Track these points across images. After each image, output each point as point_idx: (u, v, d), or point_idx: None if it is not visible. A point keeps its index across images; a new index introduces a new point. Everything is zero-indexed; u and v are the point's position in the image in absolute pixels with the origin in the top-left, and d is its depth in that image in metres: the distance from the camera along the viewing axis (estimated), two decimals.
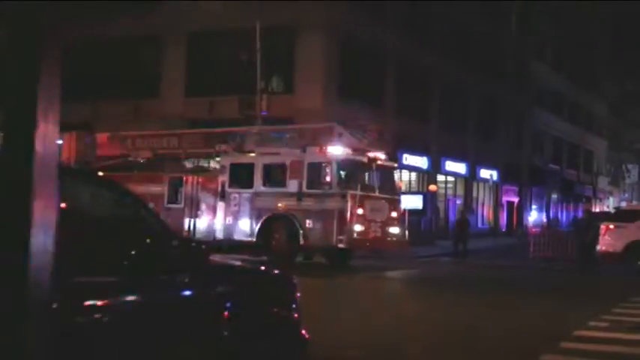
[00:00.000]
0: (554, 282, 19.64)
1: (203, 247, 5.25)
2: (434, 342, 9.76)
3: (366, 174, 20.28)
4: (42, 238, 2.17)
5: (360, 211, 19.06)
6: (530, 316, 12.33)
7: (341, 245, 19.13)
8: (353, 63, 31.71)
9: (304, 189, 19.52)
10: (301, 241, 19.53)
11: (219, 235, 20.88)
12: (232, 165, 20.99)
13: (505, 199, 49.52)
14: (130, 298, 4.95)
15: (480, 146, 44.02)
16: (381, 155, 20.59)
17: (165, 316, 5.07)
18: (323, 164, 19.41)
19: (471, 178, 44.17)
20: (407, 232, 20.93)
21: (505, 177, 48.25)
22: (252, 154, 20.84)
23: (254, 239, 20.22)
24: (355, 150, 19.84)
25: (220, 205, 20.88)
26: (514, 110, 49.82)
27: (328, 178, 19.34)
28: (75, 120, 27.32)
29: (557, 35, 56.66)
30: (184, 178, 21.76)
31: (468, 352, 9.18)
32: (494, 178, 45.82)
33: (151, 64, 34.02)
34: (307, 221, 19.41)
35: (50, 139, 2.24)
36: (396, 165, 21.92)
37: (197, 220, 21.34)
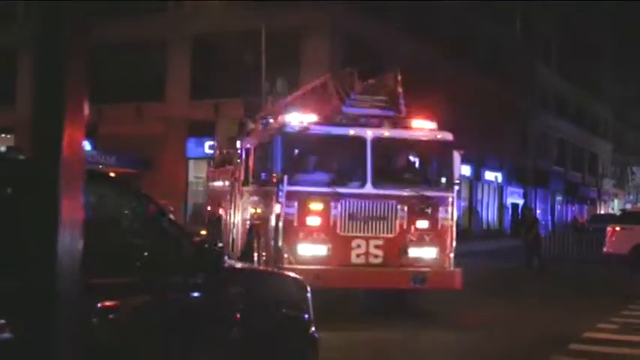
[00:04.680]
0: (562, 284, 19.60)
1: (216, 249, 5.28)
2: (440, 346, 9.76)
3: (355, 156, 11.67)
4: (69, 240, 2.19)
5: (313, 220, 11.17)
6: (538, 318, 12.32)
7: None
8: (357, 63, 31.67)
9: (254, 186, 12.78)
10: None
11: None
12: (245, 151, 13.92)
13: (510, 201, 49.51)
14: (144, 299, 4.97)
15: (485, 148, 43.99)
16: (388, 122, 12.18)
17: (178, 317, 5.09)
18: (266, 146, 12.02)
19: (476, 179, 44.15)
20: (451, 255, 11.65)
21: (510, 179, 48.21)
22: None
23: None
24: (326, 117, 11.92)
25: (239, 209, 14.12)
26: (519, 112, 49.79)
27: (269, 167, 11.63)
28: None
29: (562, 38, 56.63)
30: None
31: (474, 353, 9.18)
32: (499, 180, 45.78)
33: (156, 66, 34.05)
34: (261, 238, 12.18)
35: (77, 141, 2.26)
36: (439, 136, 12.23)
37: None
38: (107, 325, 4.62)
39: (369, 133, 11.48)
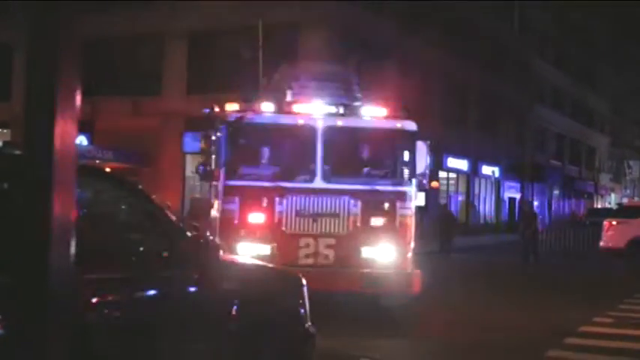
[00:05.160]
0: (558, 278, 19.63)
1: (212, 243, 5.29)
2: (436, 338, 9.78)
3: (304, 147, 10.68)
4: (62, 234, 2.18)
5: (255, 217, 10.34)
6: (534, 312, 12.35)
7: None
8: (355, 58, 31.65)
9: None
10: None
11: None
12: None
13: (507, 195, 49.57)
14: (140, 293, 4.98)
15: (482, 142, 44.03)
16: (334, 108, 10.84)
17: (174, 311, 5.10)
18: (208, 138, 10.87)
19: (473, 174, 44.19)
20: (409, 256, 10.59)
21: (507, 173, 48.28)
22: None
23: None
24: (276, 106, 10.82)
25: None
26: (516, 106, 49.84)
27: (209, 160, 10.82)
28: None
29: (558, 32, 56.66)
30: None
31: (472, 348, 9.19)
32: (496, 174, 45.83)
33: (152, 61, 33.99)
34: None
35: (69, 136, 2.26)
36: (399, 125, 10.87)
37: None
38: (103, 319, 4.63)
39: (319, 122, 10.50)
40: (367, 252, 10.30)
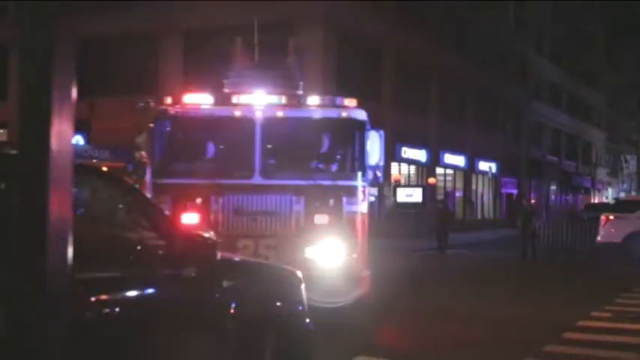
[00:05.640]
0: (556, 273, 19.66)
1: (209, 241, 5.28)
2: (435, 334, 9.79)
3: (241, 141, 9.97)
4: (58, 234, 2.18)
5: (189, 218, 9.07)
6: (532, 307, 12.37)
7: None
8: (351, 56, 31.67)
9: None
10: None
11: None
12: None
13: (504, 191, 49.60)
14: (135, 293, 4.97)
15: (479, 139, 44.06)
16: (274, 98, 10.11)
17: (171, 310, 5.09)
18: (144, 131, 10.21)
19: (470, 170, 44.22)
20: (355, 256, 9.76)
21: (504, 169, 48.32)
22: None
23: None
24: (214, 97, 10.11)
25: None
26: (513, 102, 49.87)
27: (137, 156, 10.28)
28: None
29: (555, 27, 56.69)
30: None
31: (470, 344, 9.21)
32: (494, 170, 45.89)
33: (149, 60, 33.97)
34: None
35: (65, 136, 2.26)
36: (344, 115, 10.18)
37: None
38: (100, 319, 4.62)
39: (257, 114, 9.75)
40: (310, 253, 9.51)
